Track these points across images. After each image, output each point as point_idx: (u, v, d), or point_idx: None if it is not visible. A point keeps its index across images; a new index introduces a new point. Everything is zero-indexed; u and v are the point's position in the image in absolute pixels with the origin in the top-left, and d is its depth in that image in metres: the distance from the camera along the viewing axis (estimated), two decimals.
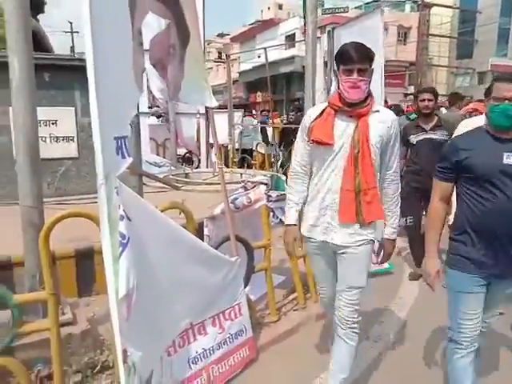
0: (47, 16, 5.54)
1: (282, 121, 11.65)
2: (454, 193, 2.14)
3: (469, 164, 1.96)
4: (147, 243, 1.98)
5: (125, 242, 1.71)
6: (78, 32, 26.25)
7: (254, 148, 9.78)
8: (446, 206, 2.14)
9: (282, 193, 3.64)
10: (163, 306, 2.18)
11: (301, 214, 2.32)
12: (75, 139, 4.78)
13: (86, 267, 3.12)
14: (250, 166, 8.49)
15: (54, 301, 2.21)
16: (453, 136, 3.86)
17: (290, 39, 27.77)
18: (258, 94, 30.93)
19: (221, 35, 41.09)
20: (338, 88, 2.12)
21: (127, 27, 1.88)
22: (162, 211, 2.28)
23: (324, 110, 2.16)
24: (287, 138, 8.92)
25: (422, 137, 4.04)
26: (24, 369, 2.19)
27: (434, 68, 28.37)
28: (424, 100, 4.01)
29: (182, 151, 9.14)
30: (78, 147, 4.80)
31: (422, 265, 4.26)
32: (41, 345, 2.34)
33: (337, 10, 18.20)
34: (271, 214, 3.53)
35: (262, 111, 11.43)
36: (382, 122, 2.12)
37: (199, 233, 2.88)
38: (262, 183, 3.44)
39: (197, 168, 8.37)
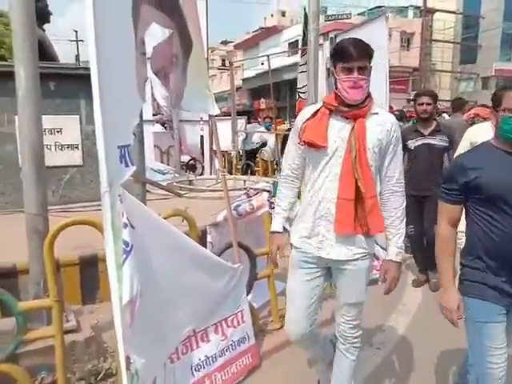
0: (52, 25, 5.62)
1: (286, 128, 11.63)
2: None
3: (479, 184, 1.77)
4: (150, 250, 1.99)
5: (128, 249, 1.72)
6: (82, 41, 26.50)
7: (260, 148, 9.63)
8: (455, 229, 1.93)
9: None
10: (166, 313, 2.18)
11: (291, 222, 2.16)
12: (80, 147, 4.83)
13: (90, 274, 3.14)
14: (253, 173, 8.50)
15: (58, 308, 2.23)
16: (454, 142, 3.89)
17: (293, 46, 27.84)
18: (262, 100, 30.97)
19: (224, 42, 41.39)
20: (336, 88, 1.94)
21: (130, 37, 1.90)
22: (165, 218, 2.30)
23: (318, 110, 1.98)
24: None
25: (420, 142, 3.89)
26: (28, 376, 2.20)
27: (437, 73, 28.38)
28: (422, 104, 3.87)
29: (185, 158, 9.17)
30: (83, 155, 4.85)
31: (422, 271, 4.24)
32: (45, 352, 2.35)
33: (340, 17, 18.29)
34: None
35: (264, 118, 11.41)
36: (380, 125, 1.94)
37: (202, 240, 2.90)
38: (264, 190, 3.46)
39: (200, 175, 8.41)
